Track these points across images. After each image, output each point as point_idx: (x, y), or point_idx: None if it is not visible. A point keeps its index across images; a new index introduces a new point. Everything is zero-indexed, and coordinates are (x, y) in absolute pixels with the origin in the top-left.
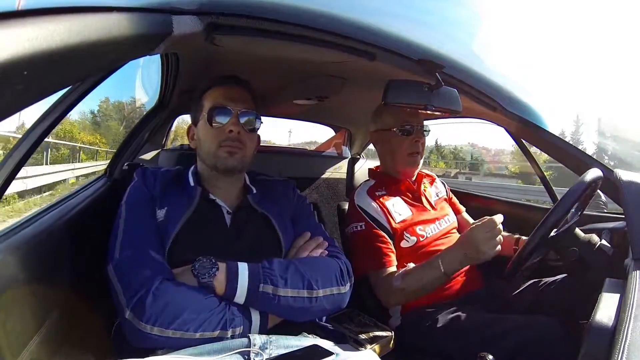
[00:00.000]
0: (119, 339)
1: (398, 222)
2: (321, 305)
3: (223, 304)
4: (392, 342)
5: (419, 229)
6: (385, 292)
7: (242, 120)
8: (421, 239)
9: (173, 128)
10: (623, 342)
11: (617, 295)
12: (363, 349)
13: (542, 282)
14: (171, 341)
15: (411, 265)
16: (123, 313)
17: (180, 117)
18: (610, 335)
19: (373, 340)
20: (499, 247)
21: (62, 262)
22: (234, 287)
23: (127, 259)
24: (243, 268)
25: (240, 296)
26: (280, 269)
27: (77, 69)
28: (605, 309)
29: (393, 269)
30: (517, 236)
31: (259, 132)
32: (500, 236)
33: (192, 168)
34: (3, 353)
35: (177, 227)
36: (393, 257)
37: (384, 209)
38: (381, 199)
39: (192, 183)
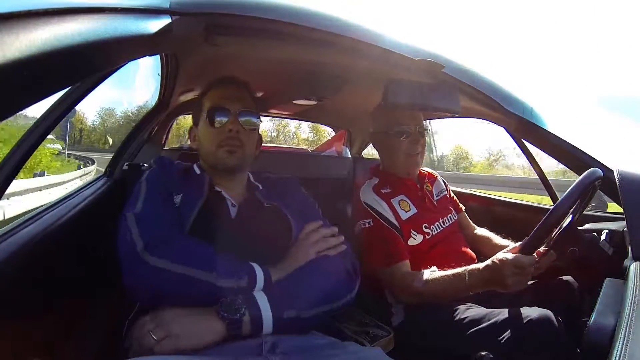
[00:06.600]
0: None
1: (404, 220)
2: (337, 310)
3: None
4: (392, 341)
5: (424, 227)
6: (402, 289)
7: (241, 119)
8: (427, 237)
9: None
10: (623, 342)
11: (617, 295)
12: None
13: (542, 283)
14: (174, 285)
15: (435, 269)
16: (134, 248)
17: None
18: (610, 335)
19: (373, 339)
20: (525, 284)
21: (62, 262)
22: (260, 320)
23: (149, 212)
24: (262, 298)
25: (268, 327)
26: (296, 285)
27: (77, 69)
28: (605, 309)
29: (407, 263)
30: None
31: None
32: (529, 275)
33: (196, 163)
34: (4, 353)
35: (192, 214)
36: (405, 252)
37: (391, 206)
38: (387, 197)
39: (198, 171)
